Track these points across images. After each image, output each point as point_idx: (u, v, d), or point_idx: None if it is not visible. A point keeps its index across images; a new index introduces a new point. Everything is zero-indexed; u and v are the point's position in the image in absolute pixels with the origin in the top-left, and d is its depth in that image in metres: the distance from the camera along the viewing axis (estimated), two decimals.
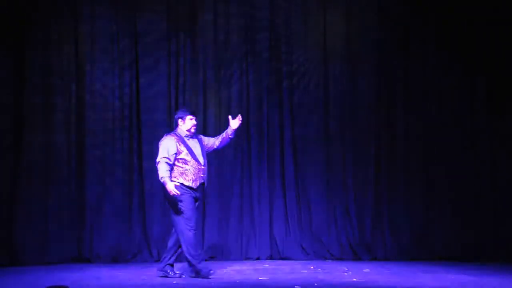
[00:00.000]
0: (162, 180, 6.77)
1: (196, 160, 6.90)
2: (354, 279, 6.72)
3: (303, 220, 8.95)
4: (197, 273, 6.84)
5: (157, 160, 6.85)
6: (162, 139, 6.97)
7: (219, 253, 8.78)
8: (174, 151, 6.85)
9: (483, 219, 8.79)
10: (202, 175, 6.94)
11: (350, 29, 9.11)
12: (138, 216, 8.75)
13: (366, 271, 7.40)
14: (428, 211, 8.89)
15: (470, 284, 6.40)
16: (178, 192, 6.70)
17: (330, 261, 8.63)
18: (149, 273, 7.33)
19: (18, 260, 8.24)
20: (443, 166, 8.91)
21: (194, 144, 7.00)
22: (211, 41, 9.00)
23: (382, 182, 8.98)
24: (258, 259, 8.78)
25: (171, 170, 6.83)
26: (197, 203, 6.98)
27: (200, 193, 7.02)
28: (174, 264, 7.04)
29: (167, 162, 6.80)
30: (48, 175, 8.53)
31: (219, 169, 8.91)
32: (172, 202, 6.80)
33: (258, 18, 9.09)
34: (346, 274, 7.21)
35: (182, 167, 6.85)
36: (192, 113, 7.06)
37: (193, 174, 6.86)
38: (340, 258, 8.75)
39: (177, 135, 6.97)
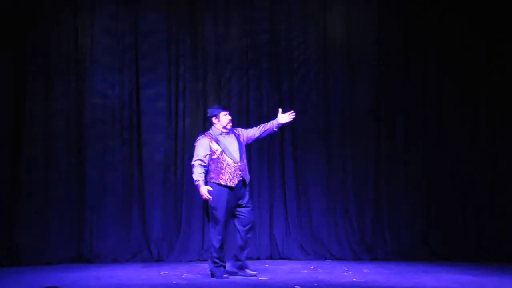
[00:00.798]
0: (195, 184, 6.78)
1: (232, 157, 6.84)
2: (354, 279, 6.72)
3: (303, 220, 8.95)
4: (212, 275, 6.85)
5: (192, 162, 6.86)
6: (197, 140, 6.95)
7: None
8: (208, 151, 6.82)
9: (483, 219, 8.79)
10: (240, 172, 6.85)
11: (350, 29, 9.11)
12: (138, 216, 8.75)
13: (366, 271, 7.40)
14: (428, 211, 8.89)
15: (470, 284, 6.40)
16: (210, 197, 6.70)
17: (330, 261, 8.63)
18: (149, 273, 7.33)
19: (18, 260, 8.24)
20: (443, 166, 8.91)
21: (230, 140, 6.93)
22: (212, 42, 9.01)
23: (382, 182, 8.97)
24: (258, 259, 8.77)
25: (208, 171, 6.82)
26: (241, 200, 6.89)
27: (242, 190, 6.90)
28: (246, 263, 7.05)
29: (201, 165, 6.79)
30: (48, 175, 8.52)
31: None
32: (206, 203, 6.83)
33: (258, 18, 9.09)
34: (346, 274, 7.21)
35: (218, 167, 6.81)
36: (224, 109, 7.01)
37: (230, 173, 6.81)
38: (340, 258, 8.75)
39: (211, 134, 6.92)
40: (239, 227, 6.92)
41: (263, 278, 6.84)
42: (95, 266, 8.18)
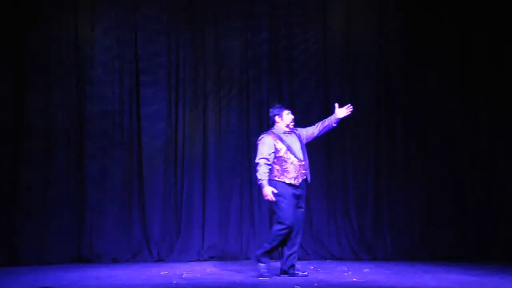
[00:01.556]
0: (259, 183, 6.77)
1: (296, 156, 6.81)
2: (354, 279, 6.72)
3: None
4: (258, 273, 6.83)
5: (256, 161, 6.83)
6: (260, 138, 6.93)
7: (219, 253, 8.77)
8: (272, 150, 6.80)
9: (483, 219, 8.79)
10: (303, 171, 6.84)
11: (350, 29, 9.11)
12: (138, 216, 8.75)
13: (366, 271, 7.40)
14: (428, 211, 8.89)
15: (470, 284, 6.40)
16: (274, 198, 6.69)
17: (330, 261, 8.63)
18: (149, 273, 7.33)
19: (18, 260, 8.24)
20: (443, 166, 8.91)
21: (293, 140, 6.92)
22: (211, 42, 9.02)
23: (382, 182, 8.98)
24: None
25: (272, 169, 6.78)
26: (299, 200, 6.85)
27: (303, 190, 6.88)
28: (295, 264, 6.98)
29: (266, 163, 6.76)
30: (48, 175, 8.52)
31: (219, 169, 8.91)
32: (272, 202, 6.78)
33: (258, 17, 9.08)
34: (346, 274, 7.21)
35: (282, 165, 6.78)
36: (287, 108, 7.00)
37: (294, 171, 6.78)
38: (340, 258, 8.75)
39: (274, 133, 6.90)
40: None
41: (263, 278, 6.84)
42: (95, 266, 8.18)
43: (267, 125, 8.96)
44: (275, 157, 6.82)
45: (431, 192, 8.91)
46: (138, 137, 8.83)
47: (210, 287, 6.29)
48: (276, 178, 6.79)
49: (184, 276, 7.02)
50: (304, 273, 6.92)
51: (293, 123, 7.00)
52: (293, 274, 6.89)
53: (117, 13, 8.87)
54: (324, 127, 7.10)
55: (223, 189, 8.91)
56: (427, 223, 8.88)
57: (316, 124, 7.16)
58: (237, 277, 6.95)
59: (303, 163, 6.85)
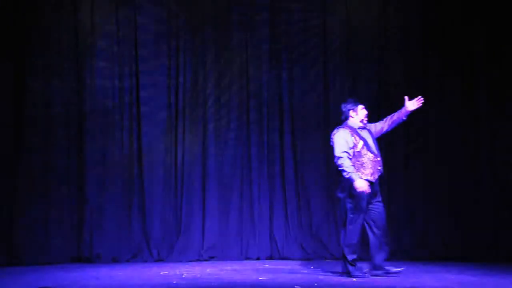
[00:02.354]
0: (348, 176, 6.51)
1: (372, 152, 6.67)
2: (354, 279, 6.71)
3: (303, 220, 8.96)
4: (348, 273, 6.68)
5: (337, 155, 6.58)
6: (335, 132, 6.72)
7: (219, 253, 8.77)
8: (351, 144, 6.62)
9: (483, 219, 8.79)
10: (379, 167, 6.69)
11: (350, 29, 9.11)
12: (138, 216, 8.75)
13: (366, 271, 7.38)
14: (428, 211, 8.88)
15: (470, 284, 6.39)
16: (369, 190, 6.50)
17: (330, 261, 8.63)
18: (149, 273, 7.33)
19: (18, 260, 8.24)
20: (443, 166, 8.91)
21: (366, 135, 6.76)
22: (211, 41, 9.03)
23: (382, 182, 8.96)
24: (258, 259, 8.78)
25: None
26: (376, 196, 6.72)
27: (377, 187, 6.74)
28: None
29: (348, 157, 6.55)
30: (48, 175, 8.52)
31: (219, 169, 8.91)
32: (346, 196, 6.61)
33: (258, 17, 9.09)
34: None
35: (359, 161, 6.60)
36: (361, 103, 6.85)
37: (371, 167, 6.62)
38: (340, 258, 8.72)
39: (349, 128, 6.73)
40: (372, 225, 6.71)
41: (263, 278, 6.84)
42: (95, 266, 8.18)
43: (267, 122, 9.01)
44: (352, 152, 6.61)
45: (431, 192, 8.91)
46: (138, 137, 8.83)
47: (210, 287, 6.29)
48: None
49: (184, 276, 7.02)
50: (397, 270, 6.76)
51: (367, 119, 6.84)
52: (379, 273, 6.75)
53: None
54: (394, 121, 6.91)
55: (223, 189, 8.91)
56: (427, 223, 8.87)
57: (385, 119, 6.96)
58: (237, 277, 6.95)
59: (378, 159, 6.69)
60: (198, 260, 8.67)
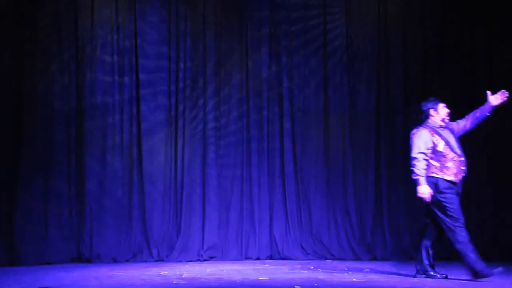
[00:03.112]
0: (415, 178, 6.38)
1: (455, 152, 6.44)
2: (354, 279, 6.72)
3: (303, 220, 8.96)
4: (476, 274, 6.37)
5: (413, 155, 6.42)
6: (414, 132, 6.52)
7: (219, 253, 8.77)
8: (430, 144, 6.42)
9: (483, 219, 8.79)
10: (462, 168, 6.46)
11: (350, 29, 9.12)
12: (138, 216, 8.75)
13: (366, 271, 7.40)
14: None
15: (470, 284, 6.38)
16: (430, 199, 6.35)
17: (330, 261, 8.63)
18: (149, 273, 7.33)
19: (18, 260, 8.24)
20: None
21: (448, 135, 6.52)
22: (212, 39, 9.04)
23: (382, 182, 8.98)
24: (258, 259, 8.78)
25: (429, 165, 6.40)
26: (459, 198, 6.49)
27: (460, 188, 6.51)
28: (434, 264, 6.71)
29: (424, 158, 6.39)
30: (48, 175, 8.53)
31: (218, 169, 8.91)
32: (436, 201, 6.43)
33: (258, 17, 9.10)
34: (346, 274, 7.21)
35: (441, 161, 6.40)
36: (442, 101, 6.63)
37: (454, 168, 6.40)
38: (340, 258, 8.75)
39: (430, 127, 6.53)
40: (438, 227, 6.57)
41: (263, 278, 6.84)
42: (95, 266, 8.18)
43: (267, 122, 9.00)
44: (433, 152, 6.41)
45: None
46: (138, 137, 8.83)
47: (210, 287, 6.29)
48: (435, 175, 6.41)
49: (184, 276, 7.02)
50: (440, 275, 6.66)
51: (448, 117, 6.60)
52: (430, 274, 6.65)
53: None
54: (477, 118, 6.66)
55: (223, 189, 8.91)
56: None
57: (467, 117, 6.69)
58: (237, 277, 6.94)
59: (462, 158, 6.46)
60: (198, 260, 8.66)
